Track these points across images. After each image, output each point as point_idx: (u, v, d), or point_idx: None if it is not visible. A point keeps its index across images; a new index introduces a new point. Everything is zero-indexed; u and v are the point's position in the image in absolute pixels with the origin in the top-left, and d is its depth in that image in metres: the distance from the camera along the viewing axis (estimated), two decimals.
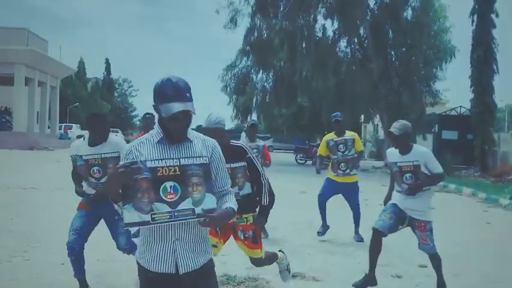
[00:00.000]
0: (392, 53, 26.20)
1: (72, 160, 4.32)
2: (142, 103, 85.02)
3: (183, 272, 2.21)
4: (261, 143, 7.29)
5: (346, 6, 23.55)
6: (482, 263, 6.16)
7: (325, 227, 7.17)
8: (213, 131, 3.65)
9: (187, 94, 2.17)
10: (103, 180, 4.16)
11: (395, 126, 4.61)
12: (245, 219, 3.93)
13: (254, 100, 28.80)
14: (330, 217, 7.22)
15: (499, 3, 22.70)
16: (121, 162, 2.14)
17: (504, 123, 33.55)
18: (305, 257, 5.92)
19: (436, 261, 4.59)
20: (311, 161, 25.54)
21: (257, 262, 4.12)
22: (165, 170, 2.13)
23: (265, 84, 29.14)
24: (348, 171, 7.02)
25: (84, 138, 4.28)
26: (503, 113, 33.44)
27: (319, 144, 29.14)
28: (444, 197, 12.44)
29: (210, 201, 2.17)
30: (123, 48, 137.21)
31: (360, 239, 6.99)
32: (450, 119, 26.52)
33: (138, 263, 2.31)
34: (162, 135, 2.23)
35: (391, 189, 4.86)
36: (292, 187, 13.19)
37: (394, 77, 25.04)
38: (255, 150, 7.14)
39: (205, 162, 2.21)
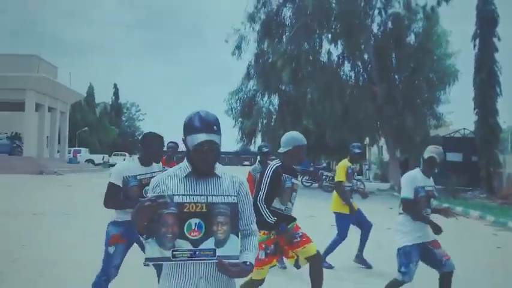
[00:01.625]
0: (396, 76, 26.27)
1: (118, 183, 4.07)
2: (150, 126, 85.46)
3: None
4: None
5: (351, 31, 23.76)
6: None
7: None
8: (302, 148, 4.12)
9: (215, 127, 2.15)
10: None
11: (435, 152, 4.40)
12: (292, 223, 4.27)
13: (259, 123, 28.84)
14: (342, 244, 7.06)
15: (500, 26, 22.84)
16: (149, 195, 2.11)
17: (508, 144, 33.32)
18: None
19: (451, 277, 4.45)
20: (317, 184, 25.44)
21: (319, 259, 4.32)
22: (192, 206, 2.08)
23: (270, 107, 29.22)
24: (353, 199, 6.93)
25: (132, 159, 4.30)
26: (506, 133, 33.23)
27: (324, 167, 29.10)
28: (451, 220, 12.22)
29: (233, 244, 2.11)
30: (130, 73, 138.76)
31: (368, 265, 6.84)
32: (454, 141, 26.44)
33: None
34: (190, 169, 2.19)
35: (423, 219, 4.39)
36: (300, 211, 13.05)
37: (398, 100, 25.05)
38: None
39: (233, 201, 2.15)
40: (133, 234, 3.97)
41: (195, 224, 2.07)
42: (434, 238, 4.41)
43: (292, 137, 4.23)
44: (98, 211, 8.47)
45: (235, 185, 2.26)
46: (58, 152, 40.29)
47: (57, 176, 27.88)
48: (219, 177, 2.23)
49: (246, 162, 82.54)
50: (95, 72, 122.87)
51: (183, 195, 2.10)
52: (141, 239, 2.14)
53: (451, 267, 4.37)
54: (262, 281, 4.17)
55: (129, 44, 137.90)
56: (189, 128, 2.16)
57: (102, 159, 47.01)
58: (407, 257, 4.30)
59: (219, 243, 2.09)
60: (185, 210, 2.07)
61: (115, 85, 69.42)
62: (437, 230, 4.29)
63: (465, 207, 15.69)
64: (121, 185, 4.06)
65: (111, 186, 4.09)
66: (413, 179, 4.43)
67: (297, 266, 4.35)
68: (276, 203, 4.10)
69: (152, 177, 3.98)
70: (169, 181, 2.19)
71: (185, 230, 2.06)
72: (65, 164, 35.69)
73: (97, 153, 50.12)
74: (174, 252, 2.05)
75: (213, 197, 2.13)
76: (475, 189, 22.31)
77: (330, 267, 6.53)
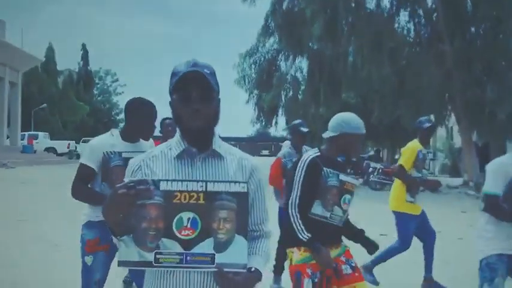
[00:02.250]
0: (473, 29, 26.04)
1: (92, 165, 4.07)
2: None
3: None
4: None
5: None
6: None
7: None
8: (354, 138, 4.05)
9: (206, 70, 2.18)
10: None
11: None
12: (343, 245, 4.17)
13: (282, 96, 28.80)
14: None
15: None
16: (125, 179, 2.04)
17: None
18: None
19: None
20: (362, 180, 25.43)
21: None
22: (185, 196, 2.05)
23: (297, 74, 29.18)
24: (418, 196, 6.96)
25: (111, 134, 4.25)
26: None
27: (371, 156, 29.02)
28: None
29: (239, 248, 2.08)
30: (105, 30, 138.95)
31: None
32: None
33: None
34: (183, 146, 2.22)
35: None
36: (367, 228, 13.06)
37: (475, 62, 24.79)
38: None
39: (242, 190, 2.10)
40: None
41: (188, 219, 2.05)
42: None
43: (342, 120, 4.10)
44: (63, 214, 8.58)
45: (245, 170, 2.27)
46: (8, 137, 40.69)
47: (7, 169, 28.25)
48: (223, 157, 2.25)
49: (265, 151, 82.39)
50: (56, 30, 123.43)
51: (173, 180, 2.07)
52: (114, 240, 2.12)
53: None
54: None
55: None
56: (172, 77, 2.19)
57: (68, 147, 47.29)
58: (492, 270, 4.28)
59: (220, 247, 2.06)
60: (175, 200, 2.04)
61: (83, 46, 69.80)
62: None
63: None
64: (96, 168, 4.08)
65: (82, 168, 4.12)
66: (505, 168, 4.31)
67: None
68: (317, 208, 3.99)
69: None
70: (155, 163, 2.21)
71: (174, 227, 2.04)
72: (17, 154, 36.06)
73: (60, 139, 50.42)
74: (158, 256, 2.04)
75: (214, 183, 2.08)
76: None
77: (375, 282, 6.62)
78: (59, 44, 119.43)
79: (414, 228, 6.88)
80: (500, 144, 28.04)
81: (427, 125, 7.03)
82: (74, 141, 49.75)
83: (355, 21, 25.37)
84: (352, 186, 4.10)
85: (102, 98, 75.53)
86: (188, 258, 2.04)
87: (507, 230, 4.28)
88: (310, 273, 3.91)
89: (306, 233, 3.90)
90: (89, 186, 4.17)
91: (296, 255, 3.98)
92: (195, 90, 2.14)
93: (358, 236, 4.32)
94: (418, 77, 24.21)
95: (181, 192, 2.05)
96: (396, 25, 26.86)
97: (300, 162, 4.06)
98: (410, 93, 24.50)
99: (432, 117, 30.70)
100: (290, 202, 3.98)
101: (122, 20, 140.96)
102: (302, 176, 3.99)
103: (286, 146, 7.19)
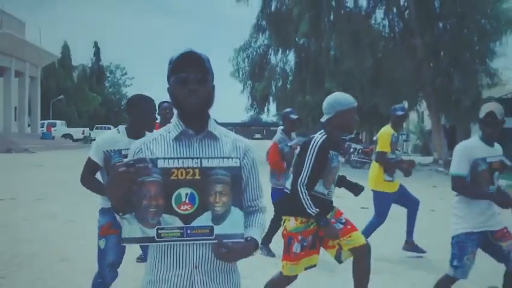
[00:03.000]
0: (440, 25, 25.98)
1: (97, 159, 4.01)
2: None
3: None
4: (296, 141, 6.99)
5: None
6: None
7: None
8: (349, 112, 4.02)
9: (202, 55, 2.12)
10: None
11: (493, 107, 4.19)
12: (333, 209, 4.22)
13: (273, 86, 28.80)
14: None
15: None
16: (125, 160, 2.01)
17: None
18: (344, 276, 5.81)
19: None
20: (343, 159, 25.50)
21: (367, 252, 4.17)
22: (181, 172, 2.00)
23: (285, 66, 29.12)
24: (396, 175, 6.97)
25: (117, 131, 4.12)
26: None
27: (352, 138, 29.18)
28: None
29: (235, 219, 2.03)
30: (114, 28, 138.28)
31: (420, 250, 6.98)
32: None
33: None
34: (181, 128, 2.14)
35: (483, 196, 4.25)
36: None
37: (442, 54, 24.75)
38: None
39: (235, 165, 2.05)
40: None
41: (186, 194, 1.99)
42: (503, 226, 4.21)
43: (334, 100, 4.06)
44: (77, 194, 8.57)
45: (239, 150, 2.21)
46: (29, 125, 40.59)
47: (29, 154, 28.14)
48: (218, 138, 2.19)
49: (257, 135, 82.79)
50: (71, 29, 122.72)
51: (170, 158, 2.02)
52: (117, 217, 2.06)
53: None
54: (294, 277, 4.14)
55: None
56: (170, 65, 2.14)
57: (82, 133, 47.44)
58: (461, 248, 4.17)
59: (218, 219, 2.01)
60: (173, 177, 1.99)
61: (95, 44, 69.48)
62: (505, 203, 4.08)
63: None
64: (99, 163, 3.99)
65: (89, 161, 4.04)
66: (469, 151, 4.22)
67: (339, 259, 4.22)
68: (319, 187, 4.04)
69: None
70: (155, 145, 2.14)
71: (173, 203, 1.98)
72: (37, 140, 36.01)
73: (76, 126, 50.54)
74: (160, 231, 1.98)
75: (209, 159, 2.04)
76: None
77: None
78: (74, 42, 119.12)
79: (390, 204, 6.93)
80: (465, 127, 28.16)
81: (400, 113, 7.03)
82: (88, 128, 50.18)
83: (336, 19, 25.30)
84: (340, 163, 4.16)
85: (112, 90, 75.33)
86: (188, 231, 1.99)
87: (479, 207, 4.16)
88: (300, 239, 3.98)
89: (314, 208, 3.90)
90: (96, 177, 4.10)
91: (292, 223, 4.02)
92: (192, 71, 2.08)
93: (341, 181, 4.35)
94: (392, 68, 24.22)
95: (178, 169, 2.00)
96: (372, 22, 26.80)
97: (311, 145, 3.99)
98: (386, 82, 24.49)
99: (406, 104, 30.77)
100: (300, 180, 3.93)
101: (131, 19, 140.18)
102: (313, 158, 3.96)
103: (279, 131, 7.13)
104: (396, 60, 24.24)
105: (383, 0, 26.03)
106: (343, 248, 4.12)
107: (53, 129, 44.04)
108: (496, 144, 4.34)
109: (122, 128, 4.15)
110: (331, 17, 25.53)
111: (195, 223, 1.99)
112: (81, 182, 4.09)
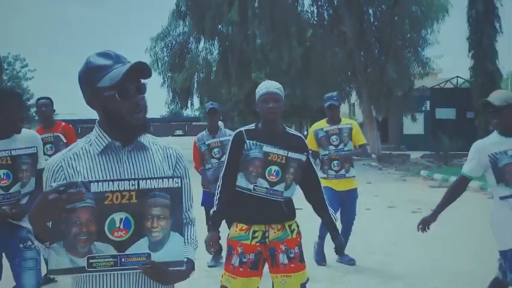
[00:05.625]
0: (370, 11, 26.66)
1: None
2: (42, 88, 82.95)
3: None
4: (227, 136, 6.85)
5: None
6: None
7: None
8: (265, 98, 3.84)
9: (126, 60, 2.07)
10: (12, 190, 3.92)
11: (495, 96, 4.17)
12: (289, 230, 3.87)
13: (195, 78, 28.61)
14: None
15: None
16: (52, 184, 1.94)
17: None
18: None
19: None
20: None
21: None
22: (117, 196, 1.93)
23: (208, 56, 28.98)
24: (342, 172, 6.89)
25: None
26: (505, 82, 34.40)
27: None
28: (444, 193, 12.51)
29: (175, 246, 1.97)
30: (12, 14, 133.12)
31: (350, 261, 6.98)
32: (445, 94, 27.28)
33: None
34: (107, 140, 2.07)
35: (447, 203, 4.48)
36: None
37: (373, 42, 25.38)
38: (217, 150, 7.02)
39: (175, 186, 1.98)
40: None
41: (121, 220, 1.94)
42: None
43: (256, 91, 4.01)
44: None
45: (171, 159, 2.20)
46: None
47: None
48: (147, 148, 2.16)
49: (178, 131, 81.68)
50: None
51: (104, 181, 1.95)
52: (39, 246, 1.98)
53: None
54: None
55: None
56: (93, 72, 2.02)
57: None
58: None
59: (155, 246, 1.96)
60: (107, 202, 1.92)
61: None
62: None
63: None
64: None
65: None
66: (480, 148, 4.24)
67: None
68: (241, 181, 3.85)
69: (10, 156, 3.84)
70: (78, 161, 2.07)
71: (106, 229, 1.93)
72: None
73: None
74: (91, 261, 1.93)
75: (147, 181, 1.97)
76: None
77: (353, 261, 6.90)
78: None
79: (335, 197, 6.65)
80: (397, 119, 28.93)
81: (327, 103, 6.89)
82: None
83: (262, 6, 25.38)
84: (281, 157, 3.83)
85: (12, 84, 72.60)
86: (123, 260, 1.94)
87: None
88: (239, 252, 3.80)
89: (216, 207, 3.88)
90: None
91: (232, 229, 3.89)
92: (134, 83, 2.02)
93: (329, 223, 4.11)
94: (322, 57, 24.61)
95: (112, 192, 1.93)
96: (300, 8, 27.09)
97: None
98: (315, 72, 24.90)
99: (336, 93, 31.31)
100: (222, 173, 3.95)
101: (31, 4, 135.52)
102: (228, 151, 3.95)
103: (221, 125, 7.17)
104: (325, 49, 24.67)
105: None
106: (274, 286, 3.91)
107: None
108: None
109: None
110: (256, 3, 25.57)
111: (129, 250, 1.94)
112: None
